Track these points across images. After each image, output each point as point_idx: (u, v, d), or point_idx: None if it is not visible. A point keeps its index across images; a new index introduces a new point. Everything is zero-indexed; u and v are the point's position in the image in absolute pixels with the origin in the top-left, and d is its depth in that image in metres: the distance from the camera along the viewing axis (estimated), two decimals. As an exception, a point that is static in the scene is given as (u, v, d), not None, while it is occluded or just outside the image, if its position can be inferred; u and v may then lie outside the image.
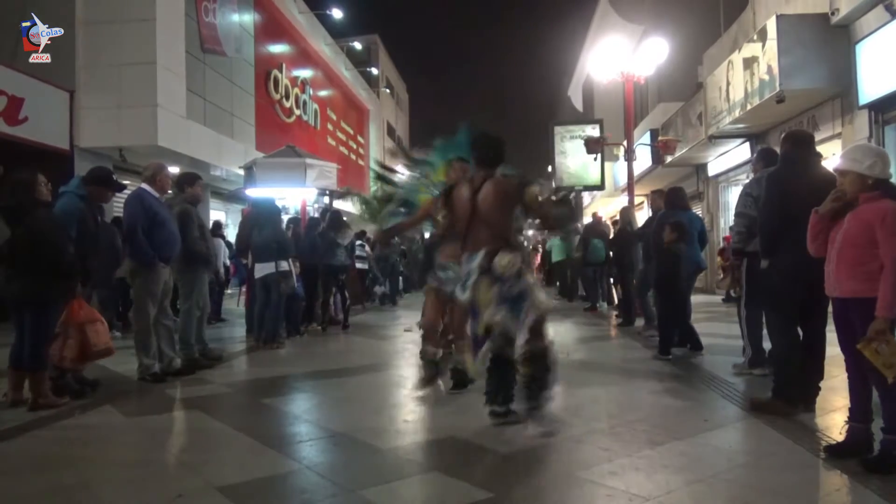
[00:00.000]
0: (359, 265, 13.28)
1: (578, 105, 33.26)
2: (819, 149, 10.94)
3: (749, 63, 10.95)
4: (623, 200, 12.99)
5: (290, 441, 3.89)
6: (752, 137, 13.04)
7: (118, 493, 3.03)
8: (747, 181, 5.54)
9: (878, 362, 2.99)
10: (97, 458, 3.61)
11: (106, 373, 5.79)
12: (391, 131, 40.79)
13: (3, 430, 4.04)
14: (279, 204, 9.13)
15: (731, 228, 6.09)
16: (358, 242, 13.24)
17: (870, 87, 9.04)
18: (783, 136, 4.61)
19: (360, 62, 32.87)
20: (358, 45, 32.50)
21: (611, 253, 11.09)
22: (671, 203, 7.41)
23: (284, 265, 7.77)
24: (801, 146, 4.42)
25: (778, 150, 4.74)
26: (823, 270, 4.12)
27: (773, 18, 9.96)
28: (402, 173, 5.83)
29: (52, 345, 4.71)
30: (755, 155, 5.65)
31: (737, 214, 5.33)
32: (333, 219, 9.72)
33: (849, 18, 9.31)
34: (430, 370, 4.76)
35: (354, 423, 4.18)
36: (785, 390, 4.11)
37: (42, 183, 4.69)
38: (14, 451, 3.73)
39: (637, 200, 15.33)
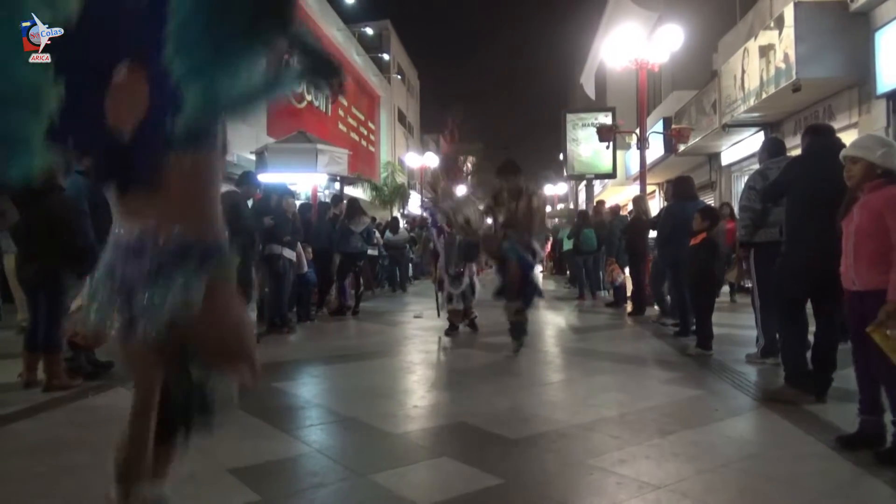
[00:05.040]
0: (369, 251, 13.26)
1: (591, 93, 33.03)
2: (835, 139, 10.79)
3: (765, 51, 10.81)
4: (635, 189, 12.91)
5: (301, 424, 3.92)
6: (767, 126, 12.90)
7: (131, 473, 3.05)
8: (750, 174, 5.57)
9: (887, 346, 2.97)
10: (110, 439, 3.62)
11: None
12: (402, 118, 40.65)
13: (17, 410, 4.08)
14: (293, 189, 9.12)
15: (737, 222, 6.04)
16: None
17: (888, 76, 8.90)
18: (805, 129, 4.65)
19: (371, 48, 32.71)
20: (370, 31, 32.29)
21: (603, 244, 11.40)
22: (678, 193, 7.36)
23: (276, 249, 7.59)
24: (825, 134, 4.44)
25: (785, 140, 4.78)
26: (834, 261, 4.11)
27: (791, 5, 9.80)
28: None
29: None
30: (761, 145, 5.65)
31: (741, 208, 5.35)
32: (351, 207, 9.79)
33: (868, 6, 9.16)
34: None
35: (365, 407, 4.20)
36: (796, 379, 4.11)
37: (56, 166, 4.69)
38: (28, 432, 3.76)
39: (649, 189, 15.19)
